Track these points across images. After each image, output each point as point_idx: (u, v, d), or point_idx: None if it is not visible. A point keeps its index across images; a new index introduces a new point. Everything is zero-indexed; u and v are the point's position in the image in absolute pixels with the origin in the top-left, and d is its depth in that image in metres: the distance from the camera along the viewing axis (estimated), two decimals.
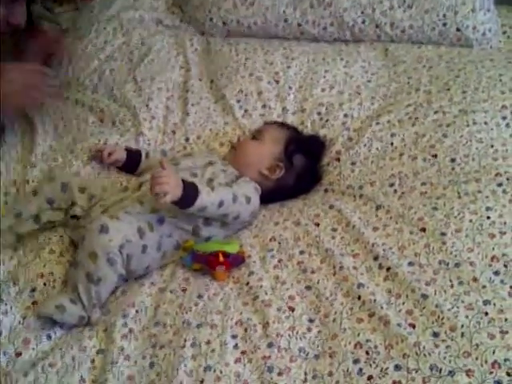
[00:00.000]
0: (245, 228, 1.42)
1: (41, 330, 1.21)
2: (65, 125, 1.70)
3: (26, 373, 1.11)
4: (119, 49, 1.94)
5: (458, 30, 1.82)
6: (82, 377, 1.12)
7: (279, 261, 1.30)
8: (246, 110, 1.70)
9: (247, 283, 1.26)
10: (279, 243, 1.34)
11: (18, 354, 1.16)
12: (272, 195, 1.45)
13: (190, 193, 1.27)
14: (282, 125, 1.58)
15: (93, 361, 1.15)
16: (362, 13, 1.87)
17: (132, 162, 1.54)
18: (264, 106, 1.70)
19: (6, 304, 1.24)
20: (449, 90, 1.61)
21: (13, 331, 1.20)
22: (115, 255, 1.22)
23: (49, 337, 1.20)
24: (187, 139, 1.66)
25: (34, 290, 1.28)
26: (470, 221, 1.27)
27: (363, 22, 1.88)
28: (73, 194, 1.39)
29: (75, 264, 1.24)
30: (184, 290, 1.25)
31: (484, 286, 1.14)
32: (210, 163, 1.45)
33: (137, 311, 1.21)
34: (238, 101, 1.72)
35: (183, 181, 1.26)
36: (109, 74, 1.85)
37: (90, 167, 1.56)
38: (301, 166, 1.49)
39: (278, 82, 1.75)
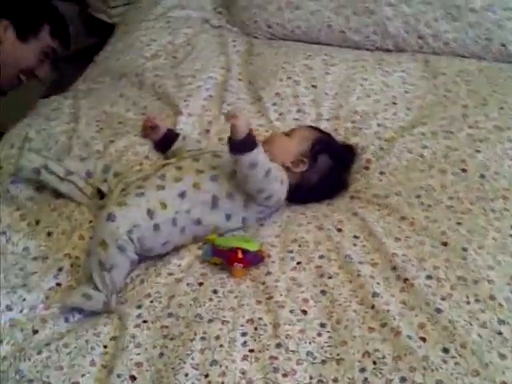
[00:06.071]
0: (268, 226, 1.41)
1: (60, 313, 1.24)
2: (107, 117, 1.74)
3: (40, 351, 1.14)
4: (164, 47, 1.99)
5: (502, 45, 1.80)
6: (93, 360, 1.14)
7: (298, 263, 1.30)
8: (280, 114, 1.71)
9: (263, 282, 1.26)
10: (300, 245, 1.34)
11: (35, 332, 1.19)
12: (294, 192, 1.45)
13: (251, 140, 1.32)
14: (316, 128, 1.59)
15: (105, 346, 1.17)
16: (406, 23, 1.86)
17: (168, 140, 1.58)
18: (299, 111, 1.71)
19: (31, 283, 1.28)
20: (486, 105, 1.59)
21: (33, 309, 1.24)
22: (124, 242, 1.25)
23: (66, 319, 1.24)
24: (220, 139, 1.67)
25: (60, 269, 1.31)
26: (493, 238, 1.25)
27: (406, 33, 1.87)
28: (108, 176, 1.45)
29: (88, 252, 1.27)
30: (200, 284, 1.27)
31: (501, 305, 1.13)
32: None
33: (151, 301, 1.23)
34: (274, 104, 1.73)
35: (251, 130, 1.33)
36: (152, 72, 1.89)
37: (124, 161, 1.58)
38: (325, 166, 1.48)
39: (315, 87, 1.76)
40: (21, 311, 1.22)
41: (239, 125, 1.30)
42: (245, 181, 1.35)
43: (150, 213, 1.29)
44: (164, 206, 1.32)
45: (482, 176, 1.40)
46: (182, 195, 1.34)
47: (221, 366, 1.10)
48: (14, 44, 1.79)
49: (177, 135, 1.60)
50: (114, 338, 1.18)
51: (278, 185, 1.39)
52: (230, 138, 1.33)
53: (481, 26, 1.81)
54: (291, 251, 1.33)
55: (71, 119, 1.73)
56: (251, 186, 1.36)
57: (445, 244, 1.26)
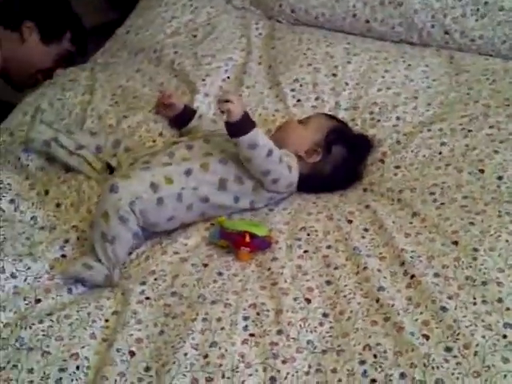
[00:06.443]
0: (278, 213, 1.40)
1: (63, 284, 1.25)
2: (122, 91, 1.74)
3: (42, 320, 1.14)
4: (185, 25, 1.98)
5: None
6: (93, 333, 1.14)
7: (305, 251, 1.29)
8: (298, 100, 1.69)
9: (269, 268, 1.25)
10: (308, 234, 1.33)
11: (38, 301, 1.19)
12: (306, 181, 1.44)
13: (247, 121, 1.31)
14: (332, 117, 1.57)
15: (107, 320, 1.17)
16: (433, 17, 1.83)
17: (185, 116, 1.57)
18: (317, 98, 1.69)
19: (37, 252, 1.28)
20: (508, 105, 1.55)
21: (37, 279, 1.24)
22: (126, 213, 1.25)
23: (70, 291, 1.24)
24: None
25: (66, 241, 1.32)
26: (506, 241, 1.22)
27: (432, 27, 1.83)
28: (118, 151, 1.45)
29: (92, 224, 1.28)
30: (205, 266, 1.26)
31: (508, 309, 1.10)
32: None
33: (155, 279, 1.23)
34: (293, 89, 1.71)
35: (246, 112, 1.32)
36: (172, 49, 1.88)
37: (137, 137, 1.58)
38: (339, 157, 1.47)
39: (335, 75, 1.73)
40: (25, 280, 1.23)
41: (232, 108, 1.29)
42: (248, 163, 1.34)
43: (154, 186, 1.29)
44: (170, 181, 1.31)
45: (500, 177, 1.37)
46: (188, 173, 1.33)
47: (220, 348, 1.09)
48: (38, 46, 1.92)
49: (194, 112, 1.58)
50: (115, 313, 1.18)
51: (285, 169, 1.37)
52: (226, 122, 1.32)
53: (509, 25, 1.76)
54: (299, 239, 1.32)
55: (87, 91, 1.73)
56: (256, 168, 1.34)
57: (455, 243, 1.24)
